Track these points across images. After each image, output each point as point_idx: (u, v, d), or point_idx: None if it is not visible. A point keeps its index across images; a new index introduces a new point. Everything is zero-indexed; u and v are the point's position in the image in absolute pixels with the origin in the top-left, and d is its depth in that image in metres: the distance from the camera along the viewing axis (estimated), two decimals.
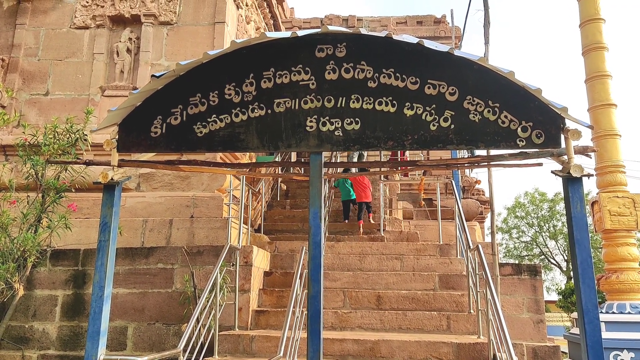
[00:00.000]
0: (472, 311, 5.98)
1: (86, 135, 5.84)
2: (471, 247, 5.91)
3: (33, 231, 5.42)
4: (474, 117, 3.61)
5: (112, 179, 3.71)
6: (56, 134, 5.71)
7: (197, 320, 5.16)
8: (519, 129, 3.59)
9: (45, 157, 5.43)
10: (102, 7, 7.68)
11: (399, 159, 10.71)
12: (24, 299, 5.93)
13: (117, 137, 3.83)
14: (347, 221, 8.43)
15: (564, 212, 31.41)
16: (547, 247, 31.55)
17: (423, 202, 6.93)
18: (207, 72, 3.84)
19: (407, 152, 11.47)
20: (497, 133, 3.61)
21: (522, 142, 3.59)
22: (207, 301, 5.19)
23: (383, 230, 7.87)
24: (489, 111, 3.61)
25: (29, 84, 7.58)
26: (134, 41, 7.58)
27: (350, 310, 6.08)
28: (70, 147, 5.73)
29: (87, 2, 7.70)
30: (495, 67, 3.47)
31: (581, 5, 7.67)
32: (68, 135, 5.82)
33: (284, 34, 3.74)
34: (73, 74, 7.54)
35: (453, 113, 3.62)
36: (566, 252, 30.75)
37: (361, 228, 8.07)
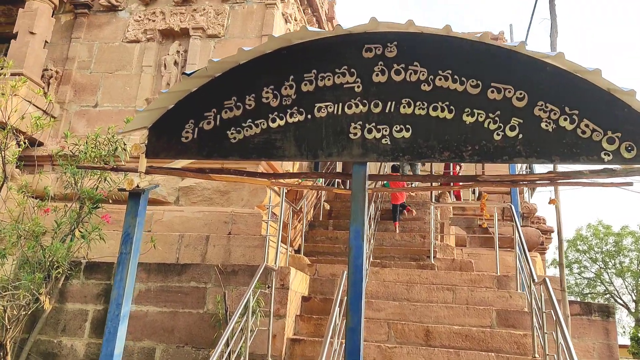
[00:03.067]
0: (537, 355, 5.23)
1: (126, 144, 5.70)
2: (536, 280, 5.21)
3: (67, 241, 5.27)
4: (546, 125, 3.07)
5: (137, 186, 3.43)
6: (97, 143, 5.60)
7: (227, 345, 4.76)
8: (604, 141, 3.01)
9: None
10: (154, 21, 7.71)
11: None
12: (55, 313, 5.77)
13: (146, 141, 3.56)
14: (396, 224, 8.45)
15: (632, 247, 29.03)
16: (613, 285, 29.09)
17: (485, 223, 6.27)
18: (244, 74, 3.52)
19: (459, 171, 10.78)
20: (575, 145, 3.04)
21: (608, 155, 3.01)
22: (238, 325, 4.80)
23: (433, 257, 7.24)
24: (565, 119, 3.06)
25: (79, 95, 7.66)
26: (182, 54, 7.53)
27: (395, 345, 5.49)
28: (109, 157, 5.59)
29: (140, 17, 7.77)
30: (576, 66, 2.93)
31: None
32: (109, 144, 5.70)
33: (327, 32, 3.38)
34: (122, 86, 7.56)
35: (521, 121, 3.10)
36: (635, 291, 28.24)
37: (397, 228, 8.22)
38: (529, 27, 18.00)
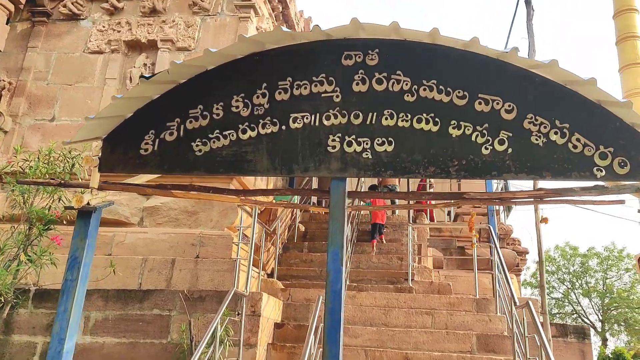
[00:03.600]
0: None
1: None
2: (517, 303, 5.00)
3: (13, 267, 4.77)
4: (537, 139, 2.88)
5: (88, 203, 3.05)
6: (51, 158, 5.15)
7: None
8: (596, 156, 2.85)
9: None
10: (119, 31, 7.35)
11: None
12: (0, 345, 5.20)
13: (100, 153, 3.20)
14: (373, 242, 8.17)
15: (597, 267, 29.62)
16: (580, 305, 29.48)
17: (474, 245, 6.07)
18: (212, 80, 3.23)
19: (430, 187, 10.64)
20: (567, 160, 2.86)
21: (601, 171, 2.83)
22: (204, 356, 4.38)
23: (411, 280, 6.98)
24: (556, 133, 2.89)
25: (34, 108, 7.17)
26: (149, 67, 7.17)
27: None
28: (65, 174, 5.15)
29: (104, 27, 7.40)
30: (570, 75, 2.76)
31: None
32: (65, 160, 5.26)
33: (304, 34, 3.13)
34: (82, 99, 7.12)
35: (510, 134, 2.90)
36: (600, 311, 28.68)
37: (374, 247, 7.97)
38: (506, 44, 18.28)
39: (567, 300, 30.23)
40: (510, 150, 2.87)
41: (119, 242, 6.49)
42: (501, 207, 8.87)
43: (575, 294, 29.94)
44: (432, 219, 10.03)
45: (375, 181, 9.26)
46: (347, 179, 3.07)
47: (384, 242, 8.18)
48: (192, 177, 4.59)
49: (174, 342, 5.30)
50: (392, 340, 5.69)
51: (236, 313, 5.26)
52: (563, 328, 7.08)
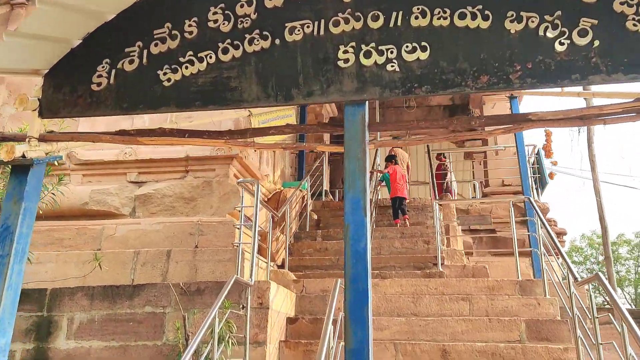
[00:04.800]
0: None
1: None
2: (578, 279, 4.13)
3: None
4: (635, 25, 2.04)
5: (23, 155, 2.29)
6: None
7: None
8: None
9: None
10: None
11: (442, 185, 9.02)
12: None
13: (40, 94, 2.45)
14: (397, 221, 7.37)
15: (628, 255, 28.23)
16: (586, 305, 28.12)
17: (553, 174, 4.96)
18: None
19: (453, 181, 9.74)
20: None
21: None
22: (197, 357, 3.61)
23: (441, 264, 6.13)
24: None
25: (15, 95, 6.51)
26: None
27: None
28: None
29: None
30: None
31: None
32: None
33: None
34: None
35: (595, 22, 2.07)
36: (634, 300, 27.31)
37: (398, 226, 7.23)
38: None
39: (598, 292, 28.91)
40: (597, 42, 2.04)
41: (109, 235, 5.76)
42: (534, 182, 7.95)
43: (589, 294, 28.60)
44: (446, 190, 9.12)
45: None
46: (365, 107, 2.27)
47: (408, 224, 7.33)
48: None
49: (169, 342, 4.53)
50: (425, 332, 4.85)
51: (240, 306, 4.48)
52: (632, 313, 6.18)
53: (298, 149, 4.65)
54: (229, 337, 4.04)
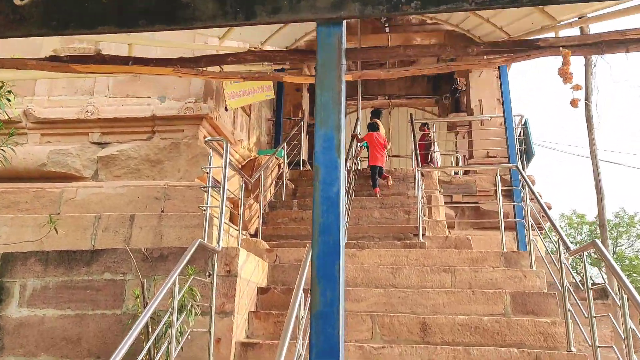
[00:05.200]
0: (572, 349, 3.91)
1: None
2: (570, 248, 3.89)
3: None
4: None
5: None
6: None
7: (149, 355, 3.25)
8: None
9: None
10: None
11: (426, 155, 8.77)
12: None
13: None
14: (377, 190, 7.17)
15: (607, 235, 28.70)
16: (573, 278, 28.64)
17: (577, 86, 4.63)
18: None
19: (436, 151, 9.50)
20: None
21: None
22: (156, 325, 3.28)
23: (422, 235, 5.87)
24: None
25: None
26: None
27: (382, 345, 4.06)
28: None
29: None
30: None
31: None
32: None
33: None
34: None
35: None
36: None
37: (378, 196, 7.05)
38: None
39: (575, 271, 29.40)
40: None
41: (69, 199, 5.35)
42: (519, 154, 7.71)
43: (583, 264, 29.06)
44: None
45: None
46: (341, 31, 1.90)
47: (389, 182, 7.28)
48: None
49: (130, 312, 4.19)
50: (404, 304, 4.60)
51: (206, 274, 4.14)
52: (602, 291, 6.02)
53: (262, 79, 4.24)
54: (191, 305, 3.70)
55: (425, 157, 8.50)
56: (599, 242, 3.29)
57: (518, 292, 4.59)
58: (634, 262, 25.34)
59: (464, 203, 7.99)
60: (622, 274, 2.84)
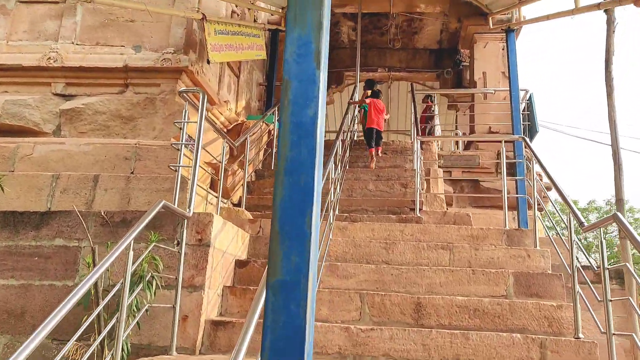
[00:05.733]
0: (581, 335, 3.48)
1: None
2: (584, 224, 3.42)
3: None
4: None
5: None
6: None
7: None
8: None
9: None
10: None
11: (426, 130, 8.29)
12: None
13: None
14: (372, 150, 6.82)
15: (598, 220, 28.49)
16: (578, 261, 28.58)
17: None
18: None
19: (437, 124, 9.01)
20: None
21: None
22: (118, 302, 2.78)
23: (419, 210, 5.38)
24: None
25: None
26: None
27: (371, 327, 3.59)
28: None
29: None
30: None
31: None
32: None
33: None
34: None
35: None
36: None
37: (374, 157, 6.70)
38: None
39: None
40: None
41: (25, 155, 4.80)
42: (522, 131, 7.22)
43: (600, 240, 28.92)
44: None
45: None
46: None
47: (380, 154, 6.90)
48: None
49: None
50: (397, 282, 4.13)
51: (174, 242, 3.63)
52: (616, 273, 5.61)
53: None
54: (151, 276, 3.20)
55: (425, 131, 8.01)
56: (620, 215, 2.80)
57: (521, 272, 4.14)
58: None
59: (464, 180, 7.51)
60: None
